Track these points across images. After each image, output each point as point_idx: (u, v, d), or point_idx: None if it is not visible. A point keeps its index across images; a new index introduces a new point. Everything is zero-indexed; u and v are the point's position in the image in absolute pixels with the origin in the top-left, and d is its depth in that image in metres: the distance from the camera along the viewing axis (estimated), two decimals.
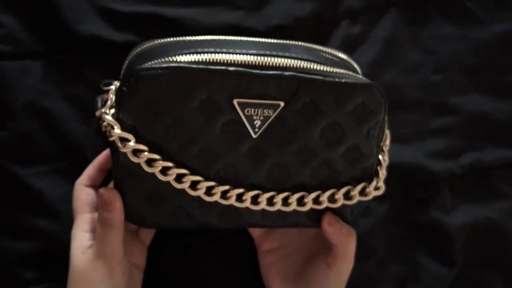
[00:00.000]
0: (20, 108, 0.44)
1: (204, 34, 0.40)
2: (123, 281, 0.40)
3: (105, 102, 0.37)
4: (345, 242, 0.40)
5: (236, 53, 0.35)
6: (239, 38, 0.40)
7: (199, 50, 0.35)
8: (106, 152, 0.43)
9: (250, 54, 0.35)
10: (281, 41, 0.40)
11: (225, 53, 0.35)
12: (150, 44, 0.39)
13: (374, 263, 0.52)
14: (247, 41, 0.39)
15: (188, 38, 0.39)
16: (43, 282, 0.45)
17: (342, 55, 0.41)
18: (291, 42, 0.41)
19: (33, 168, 0.45)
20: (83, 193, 0.41)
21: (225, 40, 0.39)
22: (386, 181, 0.47)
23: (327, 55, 0.39)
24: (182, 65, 0.34)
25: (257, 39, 0.40)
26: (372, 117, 0.37)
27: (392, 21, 0.52)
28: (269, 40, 0.40)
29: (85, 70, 0.45)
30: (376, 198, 0.51)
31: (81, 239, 0.39)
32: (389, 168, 0.50)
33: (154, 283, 0.46)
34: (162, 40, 0.39)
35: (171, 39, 0.39)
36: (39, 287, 0.45)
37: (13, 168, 0.45)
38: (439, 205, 0.53)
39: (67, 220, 0.45)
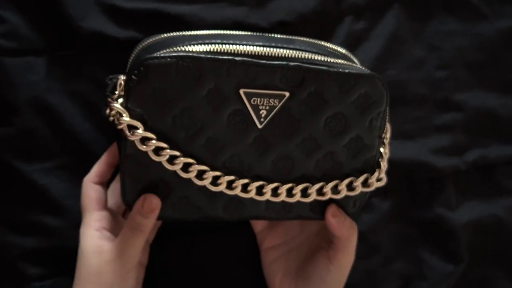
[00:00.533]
0: (24, 104, 0.44)
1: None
2: (134, 283, 0.40)
3: (114, 87, 0.37)
4: (347, 235, 0.41)
5: (242, 44, 0.36)
6: (244, 32, 0.41)
7: (207, 41, 0.36)
8: (112, 148, 0.43)
9: (257, 45, 0.36)
10: (285, 36, 0.41)
11: (232, 44, 0.36)
12: (156, 38, 0.40)
13: (378, 260, 0.52)
14: (252, 35, 0.40)
15: (194, 32, 0.40)
16: (46, 278, 0.45)
17: (342, 50, 0.41)
18: (294, 37, 0.41)
19: (37, 164, 0.45)
20: (91, 190, 0.41)
21: (231, 34, 0.40)
22: (390, 177, 0.47)
23: (329, 49, 0.40)
24: (190, 54, 0.35)
25: (261, 34, 0.41)
26: (374, 108, 0.38)
27: (396, 17, 0.52)
28: (274, 35, 0.41)
29: (89, 66, 0.45)
30: (379, 194, 0.51)
31: (91, 239, 0.39)
32: (393, 164, 0.50)
33: (157, 279, 0.46)
34: (168, 34, 0.40)
35: (177, 33, 0.40)
36: (42, 283, 0.45)
37: (17, 164, 0.45)
38: (443, 202, 0.53)
39: (71, 216, 0.45)
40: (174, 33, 0.40)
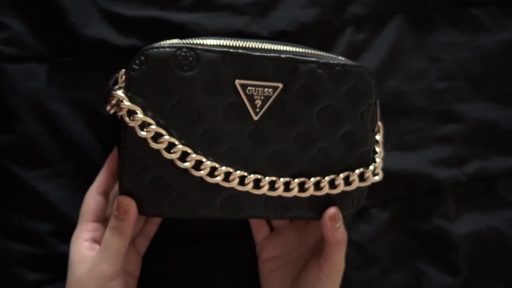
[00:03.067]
0: (24, 111, 0.44)
1: None
2: None
3: (116, 81, 0.38)
4: (337, 241, 0.41)
5: (238, 40, 0.38)
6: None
7: (204, 38, 0.39)
8: (113, 155, 0.43)
9: (251, 41, 0.39)
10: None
11: (228, 39, 0.38)
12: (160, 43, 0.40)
13: (376, 271, 0.52)
14: (248, 39, 0.41)
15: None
16: (44, 284, 0.45)
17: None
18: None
19: (37, 171, 0.45)
20: (93, 200, 0.41)
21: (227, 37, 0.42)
22: (390, 188, 0.46)
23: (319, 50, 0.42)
24: (187, 45, 0.37)
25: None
26: (364, 100, 0.40)
27: (397, 28, 0.52)
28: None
29: (90, 73, 0.45)
30: (378, 205, 0.51)
31: (78, 248, 0.39)
32: (393, 175, 0.50)
33: None
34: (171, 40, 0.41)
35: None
36: None
37: (17, 170, 0.45)
38: (442, 214, 0.52)
39: (70, 223, 0.45)
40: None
